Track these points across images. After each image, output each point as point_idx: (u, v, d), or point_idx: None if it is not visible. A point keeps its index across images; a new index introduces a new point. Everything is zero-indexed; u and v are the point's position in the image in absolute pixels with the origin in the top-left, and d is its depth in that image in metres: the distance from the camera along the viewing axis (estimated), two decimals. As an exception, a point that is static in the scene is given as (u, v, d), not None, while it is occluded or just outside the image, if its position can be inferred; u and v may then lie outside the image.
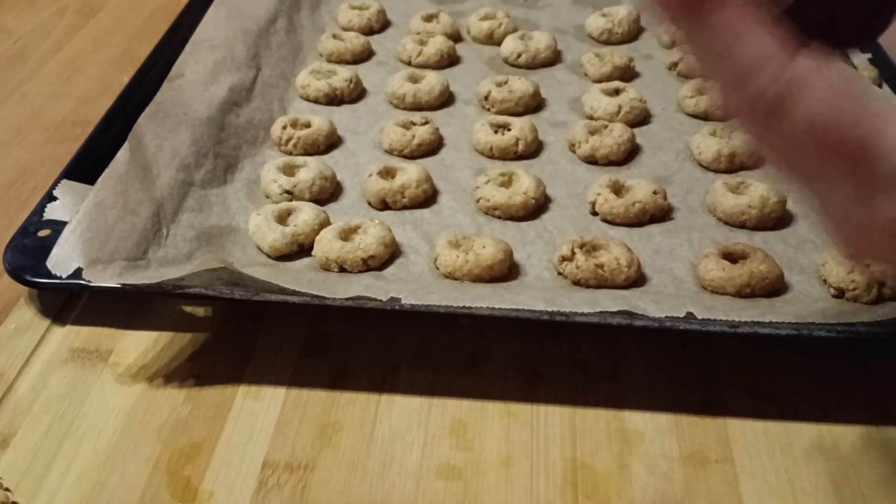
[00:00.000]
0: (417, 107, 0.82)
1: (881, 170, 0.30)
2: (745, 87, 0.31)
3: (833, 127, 0.30)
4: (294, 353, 0.59)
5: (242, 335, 0.60)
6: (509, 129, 0.76)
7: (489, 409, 0.55)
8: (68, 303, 0.62)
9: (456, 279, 0.62)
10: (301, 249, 0.65)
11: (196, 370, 0.57)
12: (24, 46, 0.96)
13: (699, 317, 0.56)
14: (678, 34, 0.33)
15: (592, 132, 0.76)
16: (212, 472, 0.51)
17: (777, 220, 0.67)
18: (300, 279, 0.59)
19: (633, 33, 0.94)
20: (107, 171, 0.66)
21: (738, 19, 0.31)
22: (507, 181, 0.70)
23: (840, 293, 0.60)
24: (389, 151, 0.76)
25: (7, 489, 0.49)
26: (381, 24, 0.97)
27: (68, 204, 0.66)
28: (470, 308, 0.56)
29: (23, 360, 0.58)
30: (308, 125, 0.77)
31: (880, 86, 0.81)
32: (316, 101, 0.83)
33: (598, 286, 0.61)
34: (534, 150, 0.77)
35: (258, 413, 0.55)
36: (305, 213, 0.66)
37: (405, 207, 0.70)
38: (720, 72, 0.31)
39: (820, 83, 0.30)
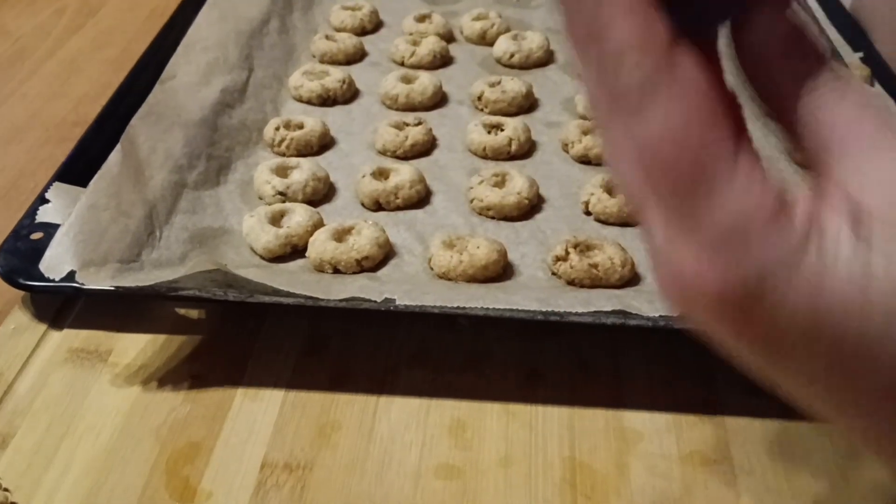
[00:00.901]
0: (410, 107, 0.82)
1: (695, 213, 0.27)
2: (612, 74, 0.27)
3: (667, 143, 0.27)
4: (293, 353, 0.59)
5: (242, 336, 0.60)
6: (502, 130, 0.77)
7: (488, 408, 0.55)
8: (64, 306, 0.62)
9: (450, 279, 0.62)
10: (295, 251, 0.65)
11: (195, 370, 0.57)
12: (23, 47, 0.96)
13: (694, 315, 0.56)
14: None
15: (585, 132, 0.76)
16: (210, 473, 0.51)
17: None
18: (294, 280, 0.59)
19: (624, 33, 0.95)
20: (99, 173, 0.66)
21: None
22: (500, 181, 0.70)
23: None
24: (383, 152, 0.77)
25: (6, 489, 0.49)
26: (373, 25, 0.97)
27: (60, 206, 0.65)
28: (464, 308, 0.57)
29: (22, 360, 0.58)
30: (301, 126, 0.77)
31: (872, 84, 0.82)
32: (309, 102, 0.83)
33: (593, 286, 0.61)
34: (527, 150, 0.77)
35: (257, 413, 0.55)
36: (299, 215, 0.66)
37: (399, 208, 0.70)
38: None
39: (679, 97, 0.26)
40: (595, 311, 0.56)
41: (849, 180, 0.27)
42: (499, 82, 0.83)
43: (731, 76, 0.29)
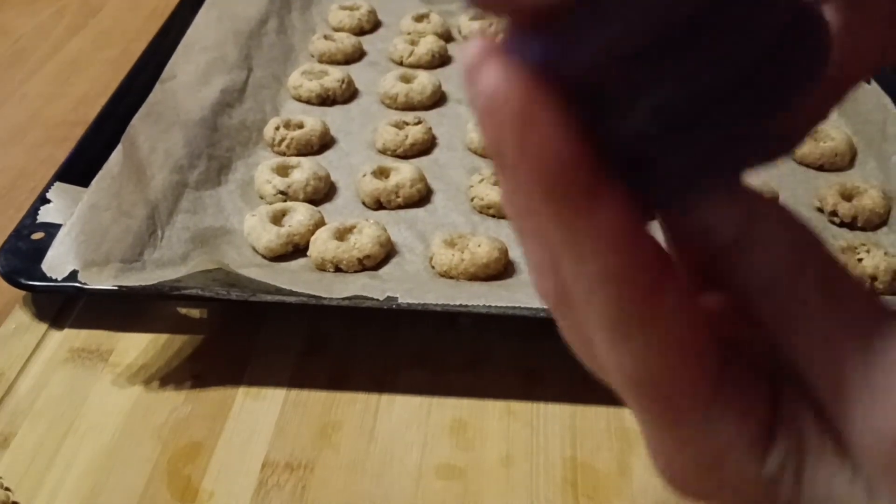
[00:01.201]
0: (410, 107, 0.82)
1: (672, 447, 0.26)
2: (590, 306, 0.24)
3: (643, 387, 0.26)
4: (294, 352, 0.59)
5: (243, 335, 0.60)
6: (502, 129, 0.76)
7: (489, 408, 0.55)
8: (65, 306, 0.62)
9: (452, 278, 0.62)
10: (296, 250, 0.65)
11: (196, 370, 0.57)
12: (23, 47, 0.96)
13: (695, 313, 0.56)
14: None
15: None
16: (212, 472, 0.51)
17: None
18: (296, 279, 0.59)
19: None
20: (100, 173, 0.66)
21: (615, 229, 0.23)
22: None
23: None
24: (383, 151, 0.77)
25: (7, 489, 0.49)
26: (371, 25, 0.97)
27: (62, 206, 0.65)
28: (467, 306, 0.57)
29: (23, 360, 0.58)
30: (301, 126, 0.77)
31: (868, 82, 0.82)
32: (308, 102, 0.83)
33: (594, 284, 0.61)
34: (527, 149, 0.77)
35: (258, 413, 0.55)
36: (300, 214, 0.66)
37: (400, 207, 0.70)
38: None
39: (658, 333, 0.24)
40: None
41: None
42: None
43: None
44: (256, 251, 0.65)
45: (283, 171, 0.71)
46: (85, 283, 0.58)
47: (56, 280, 0.59)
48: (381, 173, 0.71)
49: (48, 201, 0.66)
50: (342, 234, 0.64)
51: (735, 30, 0.20)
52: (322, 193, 0.71)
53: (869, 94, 0.78)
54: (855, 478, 0.23)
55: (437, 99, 0.84)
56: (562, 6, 0.19)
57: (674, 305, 0.22)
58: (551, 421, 0.54)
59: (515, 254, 0.64)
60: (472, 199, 0.70)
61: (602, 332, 0.23)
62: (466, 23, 0.95)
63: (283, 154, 0.75)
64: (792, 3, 0.21)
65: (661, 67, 0.20)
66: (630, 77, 0.20)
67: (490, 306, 0.56)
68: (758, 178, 0.68)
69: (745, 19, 0.20)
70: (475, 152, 0.76)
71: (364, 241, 0.63)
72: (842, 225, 0.67)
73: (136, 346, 0.59)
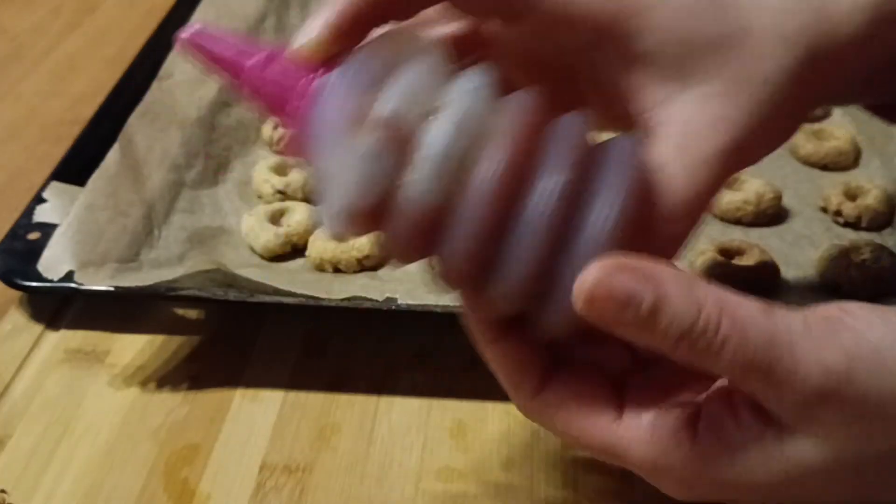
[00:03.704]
0: (409, 105, 0.82)
1: (624, 465, 0.36)
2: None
3: (581, 447, 0.37)
4: (292, 354, 0.58)
5: (241, 336, 0.59)
6: (502, 128, 0.76)
7: (489, 410, 0.55)
8: (61, 306, 0.61)
9: (451, 278, 0.61)
10: (295, 250, 0.64)
11: (193, 372, 0.57)
12: (20, 45, 0.95)
13: (698, 313, 0.56)
14: None
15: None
16: (209, 475, 0.51)
17: (772, 216, 0.67)
18: (295, 280, 0.59)
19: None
20: (97, 172, 0.66)
21: (492, 361, 0.38)
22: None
23: (836, 289, 0.60)
24: (382, 150, 0.76)
25: (3, 490, 0.49)
26: (370, 23, 0.96)
27: (58, 206, 0.65)
28: (467, 307, 0.56)
29: (19, 361, 0.58)
30: (300, 124, 0.76)
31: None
32: (307, 101, 0.83)
33: (595, 284, 0.61)
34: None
35: (256, 415, 0.54)
36: (299, 213, 0.65)
37: (399, 206, 0.69)
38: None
39: (558, 425, 0.37)
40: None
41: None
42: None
43: None
44: (254, 251, 0.64)
45: (281, 170, 0.71)
46: (81, 284, 0.58)
47: (52, 280, 0.59)
48: (381, 173, 0.70)
49: (44, 201, 0.66)
50: (341, 234, 0.63)
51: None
52: (321, 193, 0.70)
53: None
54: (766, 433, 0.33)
55: (437, 97, 0.83)
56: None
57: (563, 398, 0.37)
58: (552, 423, 0.54)
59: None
60: (472, 199, 0.69)
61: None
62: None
63: (282, 153, 0.75)
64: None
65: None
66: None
67: (490, 307, 0.56)
68: (761, 178, 0.68)
69: None
70: (476, 151, 0.76)
71: (363, 240, 0.62)
72: (846, 225, 0.66)
73: (132, 347, 0.59)
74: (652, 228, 0.36)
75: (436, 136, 0.33)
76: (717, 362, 0.32)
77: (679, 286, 0.32)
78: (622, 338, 0.33)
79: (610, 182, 0.33)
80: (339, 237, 0.45)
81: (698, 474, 0.35)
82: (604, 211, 0.33)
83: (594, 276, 0.31)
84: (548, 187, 0.32)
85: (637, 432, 0.35)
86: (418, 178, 0.33)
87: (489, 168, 0.32)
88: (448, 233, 0.33)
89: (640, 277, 0.31)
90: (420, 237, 0.34)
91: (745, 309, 0.32)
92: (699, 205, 0.37)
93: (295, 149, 0.36)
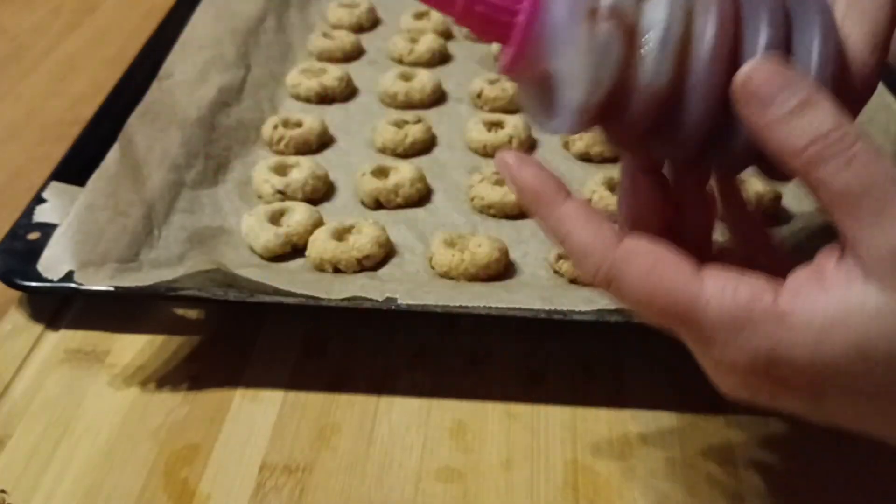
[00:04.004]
0: (409, 105, 0.82)
1: (699, 333, 0.37)
2: (580, 268, 0.39)
3: (648, 302, 0.37)
4: (292, 354, 0.58)
5: (240, 336, 0.59)
6: (502, 128, 0.76)
7: (489, 410, 0.55)
8: (61, 307, 0.61)
9: (452, 278, 0.61)
10: (294, 250, 0.64)
11: (194, 371, 0.57)
12: (20, 45, 0.95)
13: (697, 314, 0.56)
14: None
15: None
16: (209, 475, 0.51)
17: (772, 216, 0.67)
18: (295, 280, 0.59)
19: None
20: (97, 172, 0.66)
21: (572, 214, 0.39)
22: (501, 179, 0.70)
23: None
24: (382, 150, 0.76)
25: (3, 490, 0.49)
26: (371, 22, 0.96)
27: (58, 206, 0.65)
28: (467, 307, 0.56)
29: (19, 361, 0.58)
30: (299, 124, 0.76)
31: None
32: (307, 101, 0.83)
33: (595, 284, 0.61)
34: (528, 148, 0.76)
35: (256, 415, 0.54)
36: (299, 214, 0.65)
37: (399, 207, 0.69)
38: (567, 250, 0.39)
39: (633, 269, 0.37)
40: (599, 310, 0.56)
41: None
42: (498, 80, 0.82)
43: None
44: (254, 251, 0.64)
45: (281, 170, 0.71)
46: (81, 284, 0.58)
47: (52, 280, 0.59)
48: (381, 173, 0.70)
49: (44, 201, 0.66)
50: (341, 234, 0.63)
51: None
52: (321, 193, 0.70)
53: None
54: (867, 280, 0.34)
55: (437, 97, 0.83)
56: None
57: (636, 244, 0.38)
58: (552, 423, 0.54)
59: (516, 254, 0.64)
60: (472, 199, 0.69)
61: (604, 281, 0.38)
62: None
63: (282, 153, 0.75)
64: None
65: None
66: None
67: (490, 307, 0.56)
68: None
69: None
70: (475, 151, 0.76)
71: (363, 241, 0.62)
72: (845, 225, 0.66)
73: (132, 348, 0.59)
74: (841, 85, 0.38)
75: (659, 19, 0.36)
76: (836, 175, 0.34)
77: (833, 101, 0.34)
78: (758, 130, 0.35)
79: (813, 33, 0.37)
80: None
81: (772, 335, 0.35)
82: (814, 57, 0.36)
83: (765, 60, 0.35)
84: (761, 43, 0.36)
85: (718, 286, 0.36)
86: (650, 60, 0.36)
87: (711, 39, 0.36)
88: (680, 108, 0.37)
89: (804, 77, 0.35)
90: (652, 118, 0.37)
91: (880, 150, 0.34)
92: (877, 58, 0.39)
93: (516, 63, 0.38)
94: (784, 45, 0.36)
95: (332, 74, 0.83)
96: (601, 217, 0.39)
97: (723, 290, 0.36)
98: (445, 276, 0.61)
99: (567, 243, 0.39)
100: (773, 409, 0.38)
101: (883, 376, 0.35)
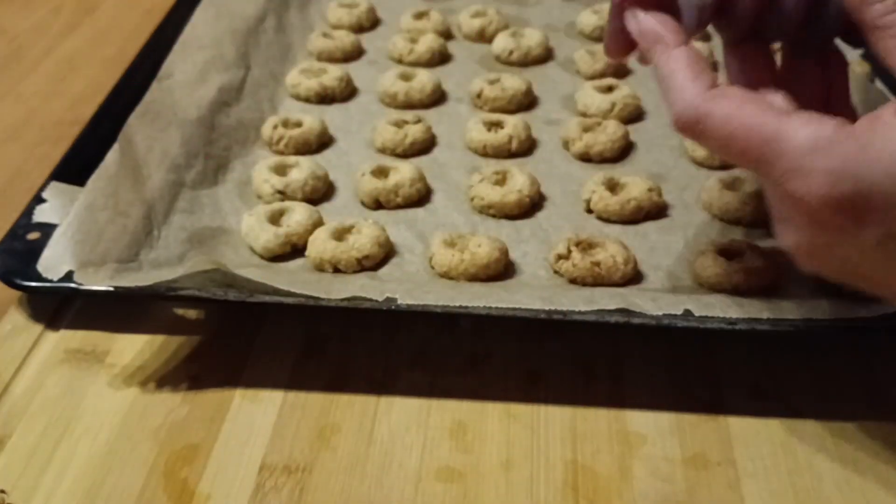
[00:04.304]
0: (409, 105, 0.82)
1: (783, 161, 0.41)
2: (675, 106, 0.45)
3: (735, 136, 0.42)
4: (292, 354, 0.58)
5: (240, 336, 0.59)
6: (502, 128, 0.76)
7: (489, 410, 0.55)
8: (61, 307, 0.61)
9: (451, 278, 0.61)
10: (294, 250, 0.64)
11: (193, 371, 0.57)
12: (19, 45, 0.95)
13: (697, 314, 0.56)
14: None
15: (586, 129, 0.75)
16: (209, 475, 0.51)
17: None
18: (294, 280, 0.59)
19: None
20: (97, 172, 0.66)
21: (681, 57, 0.45)
22: (501, 179, 0.70)
23: (837, 289, 0.59)
24: (382, 150, 0.76)
25: (3, 490, 0.49)
26: (371, 22, 0.96)
27: (58, 206, 0.65)
28: (467, 308, 0.56)
29: (19, 361, 0.58)
30: (299, 125, 0.76)
31: (872, 81, 0.81)
32: (307, 101, 0.83)
33: (595, 284, 0.61)
34: (527, 148, 0.76)
35: (256, 415, 0.54)
36: (298, 214, 0.65)
37: (399, 207, 0.69)
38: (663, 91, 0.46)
39: (723, 105, 0.42)
40: (599, 310, 0.56)
41: None
42: (498, 80, 0.82)
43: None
44: (254, 251, 0.64)
45: (281, 170, 0.71)
46: (81, 284, 0.58)
47: (52, 280, 0.59)
48: (381, 173, 0.70)
49: (44, 201, 0.66)
50: (341, 234, 0.63)
51: None
52: (320, 193, 0.70)
53: (873, 93, 0.77)
54: None
55: (437, 97, 0.83)
56: None
57: (733, 90, 0.44)
58: (552, 423, 0.54)
59: (515, 254, 0.64)
60: (472, 199, 0.69)
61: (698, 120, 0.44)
62: (467, 20, 0.94)
63: (282, 153, 0.75)
64: None
65: None
66: None
67: (490, 307, 0.56)
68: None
69: None
70: (475, 151, 0.76)
71: (363, 241, 0.62)
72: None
73: (132, 348, 0.59)
74: None
75: None
76: None
77: None
78: None
79: None
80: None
81: (855, 159, 0.39)
82: None
83: None
84: None
85: (803, 118, 0.41)
86: None
87: None
88: None
89: None
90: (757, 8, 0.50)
91: None
92: None
93: None
94: None
95: (332, 74, 0.83)
96: (706, 65, 0.45)
97: (808, 120, 0.41)
98: (445, 276, 0.61)
99: (669, 80, 0.45)
100: (827, 267, 0.45)
101: None
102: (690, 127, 0.44)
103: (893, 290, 0.45)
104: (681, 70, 0.44)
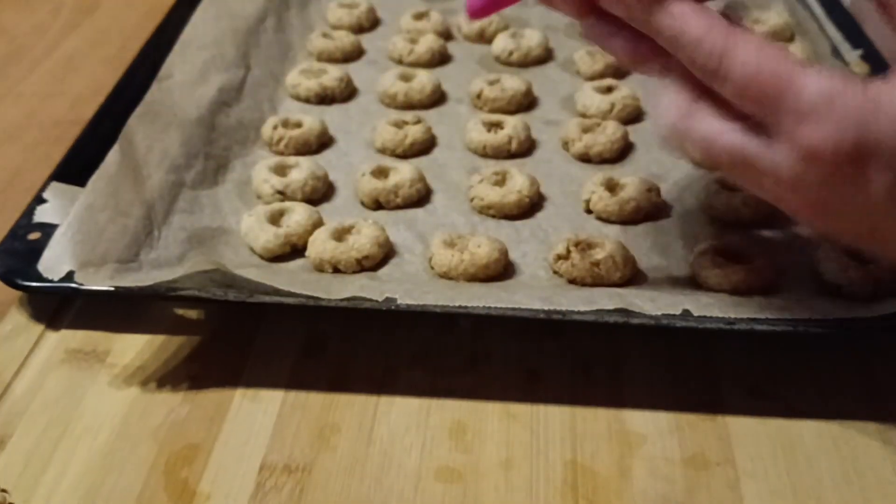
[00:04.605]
0: (409, 105, 0.82)
1: (797, 106, 0.42)
2: (695, 57, 0.45)
3: (756, 73, 0.43)
4: (292, 354, 0.58)
5: (240, 336, 0.60)
6: (502, 128, 0.76)
7: (489, 410, 0.55)
8: (61, 307, 0.61)
9: (451, 279, 0.61)
10: (294, 250, 0.64)
11: (194, 371, 0.57)
12: (20, 45, 0.95)
13: (696, 314, 0.56)
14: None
15: (586, 130, 0.75)
16: (209, 475, 0.51)
17: (770, 216, 0.67)
18: (294, 280, 0.59)
19: (623, 31, 0.94)
20: (97, 172, 0.66)
21: (686, 11, 0.45)
22: (500, 180, 0.70)
23: (836, 289, 0.60)
24: (382, 151, 0.76)
25: (4, 490, 0.49)
26: (370, 23, 0.96)
27: (58, 206, 0.65)
28: (466, 308, 0.56)
29: (19, 361, 0.58)
30: (299, 125, 0.77)
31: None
32: (307, 101, 0.83)
33: (594, 284, 0.61)
34: (527, 148, 0.76)
35: (256, 415, 0.54)
36: (298, 214, 0.65)
37: (399, 207, 0.69)
38: (677, 50, 0.45)
39: (746, 48, 0.43)
40: (598, 310, 0.56)
41: None
42: (498, 80, 0.83)
43: None
44: (254, 251, 0.64)
45: (280, 170, 0.71)
46: (81, 284, 0.58)
47: (52, 281, 0.59)
48: (380, 173, 0.70)
49: (44, 201, 0.66)
50: (340, 235, 0.63)
51: None
52: (320, 193, 0.70)
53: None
54: None
55: (437, 98, 0.83)
56: None
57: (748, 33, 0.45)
58: (551, 423, 0.54)
59: (515, 255, 0.64)
60: (471, 200, 0.69)
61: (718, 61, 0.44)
62: (467, 20, 0.94)
63: (281, 153, 0.75)
64: None
65: None
66: None
67: (489, 307, 0.56)
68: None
69: None
70: (475, 152, 0.76)
71: (363, 241, 0.62)
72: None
73: (132, 347, 0.59)
74: None
75: None
76: None
77: None
78: None
79: None
80: None
81: (863, 109, 0.41)
82: None
83: None
84: None
85: (817, 69, 0.42)
86: None
87: None
88: None
89: None
90: None
91: None
92: None
93: None
94: None
95: (332, 75, 0.83)
96: (712, 10, 0.45)
97: (821, 71, 0.42)
98: (445, 276, 0.62)
99: (682, 37, 0.45)
100: (835, 224, 0.47)
101: None
102: (713, 67, 0.44)
103: None
104: (692, 21, 0.44)
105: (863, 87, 0.42)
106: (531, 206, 0.69)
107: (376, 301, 0.57)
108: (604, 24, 0.50)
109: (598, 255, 0.61)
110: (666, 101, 0.47)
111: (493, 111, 0.81)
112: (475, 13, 0.55)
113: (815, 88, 0.42)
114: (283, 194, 0.69)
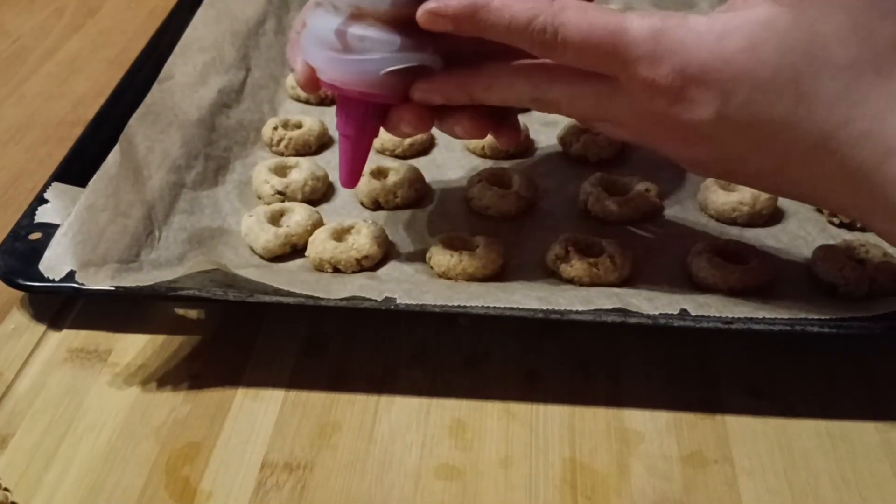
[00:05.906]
0: (408, 107, 0.82)
1: (630, 49, 0.46)
2: (531, 38, 0.47)
3: (589, 34, 0.46)
4: (293, 353, 0.59)
5: (241, 335, 0.60)
6: (501, 129, 0.76)
7: (488, 408, 0.55)
8: (63, 306, 0.62)
9: (450, 279, 0.62)
10: (294, 250, 0.65)
11: (195, 370, 0.57)
12: (22, 46, 0.96)
13: (693, 314, 0.56)
14: None
15: (583, 131, 0.76)
16: (210, 473, 0.51)
17: (768, 216, 0.68)
18: (294, 280, 0.59)
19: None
20: (98, 173, 0.66)
21: (506, 2, 0.48)
22: (499, 180, 0.70)
23: (832, 289, 0.60)
24: (381, 151, 0.76)
25: (6, 489, 0.49)
26: (369, 24, 0.96)
27: (59, 207, 0.65)
28: (465, 307, 0.56)
29: (21, 360, 0.58)
30: (299, 126, 0.77)
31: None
32: (306, 102, 0.83)
33: (592, 284, 0.61)
34: (525, 149, 0.77)
35: (257, 413, 0.55)
36: (298, 214, 0.66)
37: (398, 207, 0.70)
38: (512, 39, 0.48)
39: (572, 13, 0.47)
40: (595, 310, 0.56)
41: None
42: (497, 81, 0.83)
43: None
44: (254, 251, 0.64)
45: (280, 171, 0.71)
46: (82, 284, 0.58)
47: (53, 281, 0.59)
48: (380, 173, 0.71)
49: (46, 201, 0.66)
50: (340, 235, 0.64)
51: None
52: (320, 194, 0.71)
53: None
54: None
55: (436, 99, 0.84)
56: None
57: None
58: (550, 422, 0.54)
59: (513, 255, 0.64)
60: (470, 200, 0.70)
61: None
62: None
63: (281, 154, 0.75)
64: None
65: None
66: None
67: (488, 307, 0.56)
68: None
69: None
70: (474, 153, 0.76)
71: (362, 241, 0.63)
72: (841, 225, 0.67)
73: (134, 347, 0.59)
74: None
75: None
76: None
77: None
78: None
79: None
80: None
81: (684, 40, 0.46)
82: None
83: None
84: None
85: (638, 14, 0.47)
86: None
87: None
88: None
89: None
90: None
91: None
92: None
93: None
94: None
95: (332, 76, 0.84)
96: None
97: (642, 15, 0.47)
98: (444, 276, 0.62)
99: (513, 24, 0.47)
100: (683, 150, 0.51)
101: (771, 79, 0.45)
102: (550, 40, 0.47)
103: (760, 170, 0.50)
104: (516, 6, 0.47)
105: (685, 20, 0.46)
106: (529, 206, 0.69)
107: (375, 301, 0.57)
108: (448, 119, 0.56)
109: (596, 255, 0.62)
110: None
111: (491, 112, 0.81)
112: (351, 185, 0.61)
113: (639, 31, 0.46)
114: (283, 195, 0.69)
